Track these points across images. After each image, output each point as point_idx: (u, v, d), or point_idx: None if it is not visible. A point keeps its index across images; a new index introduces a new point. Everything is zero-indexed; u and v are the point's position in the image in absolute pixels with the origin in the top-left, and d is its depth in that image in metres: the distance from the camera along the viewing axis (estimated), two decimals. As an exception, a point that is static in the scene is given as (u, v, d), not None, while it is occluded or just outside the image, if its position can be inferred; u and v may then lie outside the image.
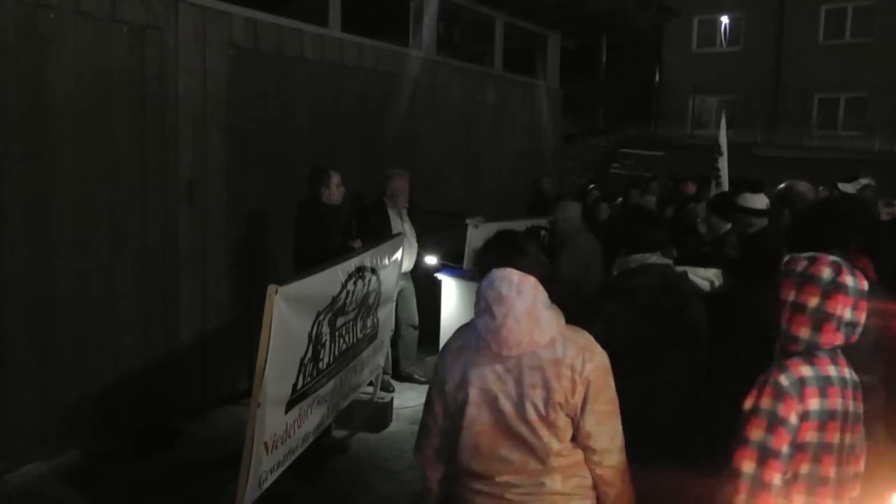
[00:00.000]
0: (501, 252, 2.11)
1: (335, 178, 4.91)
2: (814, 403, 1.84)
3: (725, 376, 2.63)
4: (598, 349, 2.07)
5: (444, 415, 2.15)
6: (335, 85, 6.20)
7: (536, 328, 1.99)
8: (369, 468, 4.49)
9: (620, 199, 8.96)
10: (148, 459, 4.45)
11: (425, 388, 2.29)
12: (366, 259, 4.32)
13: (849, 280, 1.90)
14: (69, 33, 4.21)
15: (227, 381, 5.35)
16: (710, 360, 2.78)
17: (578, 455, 2.06)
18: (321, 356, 3.88)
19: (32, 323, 4.17)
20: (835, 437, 1.86)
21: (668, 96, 21.77)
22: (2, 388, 4.06)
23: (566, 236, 5.00)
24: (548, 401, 1.98)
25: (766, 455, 1.82)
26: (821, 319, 1.89)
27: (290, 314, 3.34)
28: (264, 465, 3.36)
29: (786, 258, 2.06)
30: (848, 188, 5.83)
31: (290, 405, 3.57)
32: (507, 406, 2.01)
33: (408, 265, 5.71)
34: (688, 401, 2.75)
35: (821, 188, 5.81)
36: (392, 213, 5.64)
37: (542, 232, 6.16)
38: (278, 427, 3.47)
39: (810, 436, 1.84)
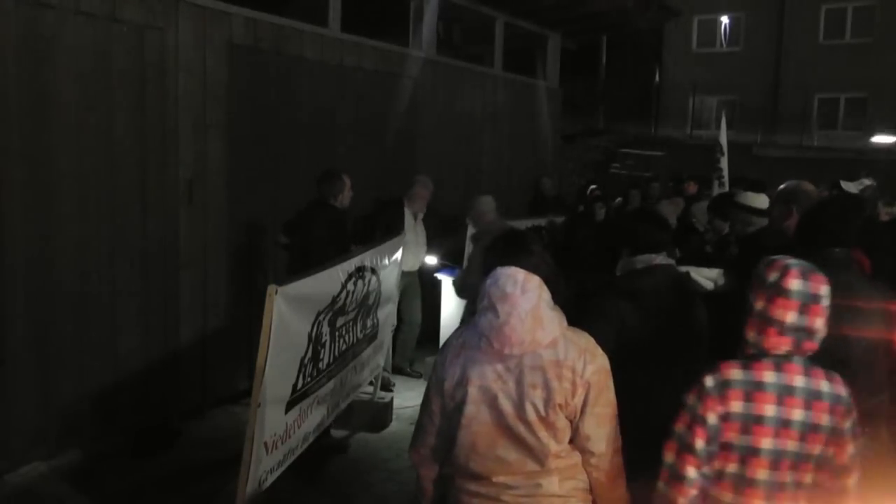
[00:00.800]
0: (507, 250, 2.10)
1: (348, 183, 4.97)
2: (736, 406, 1.87)
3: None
4: (599, 351, 2.06)
5: (442, 413, 2.13)
6: (335, 85, 6.20)
7: (539, 328, 1.98)
8: (369, 468, 4.49)
9: (620, 199, 8.96)
10: (148, 459, 4.45)
11: (425, 387, 2.28)
12: (366, 259, 4.32)
13: (794, 284, 1.89)
14: (69, 33, 4.21)
15: (227, 381, 5.35)
16: (709, 360, 2.78)
17: (576, 457, 2.05)
18: (321, 356, 3.88)
19: (32, 323, 4.17)
20: (764, 443, 1.86)
21: (668, 96, 21.76)
22: (2, 388, 4.05)
23: (482, 233, 5.02)
24: (548, 402, 1.97)
25: (682, 448, 1.91)
26: (764, 323, 1.91)
27: (290, 314, 3.34)
28: (264, 465, 3.36)
29: (762, 261, 2.06)
30: (850, 187, 5.84)
31: (290, 405, 3.57)
32: (506, 405, 2.00)
33: (414, 264, 5.90)
34: None
35: (821, 188, 5.82)
36: (408, 213, 5.91)
37: (542, 231, 6.17)
38: (278, 427, 3.47)
39: (733, 437, 1.87)
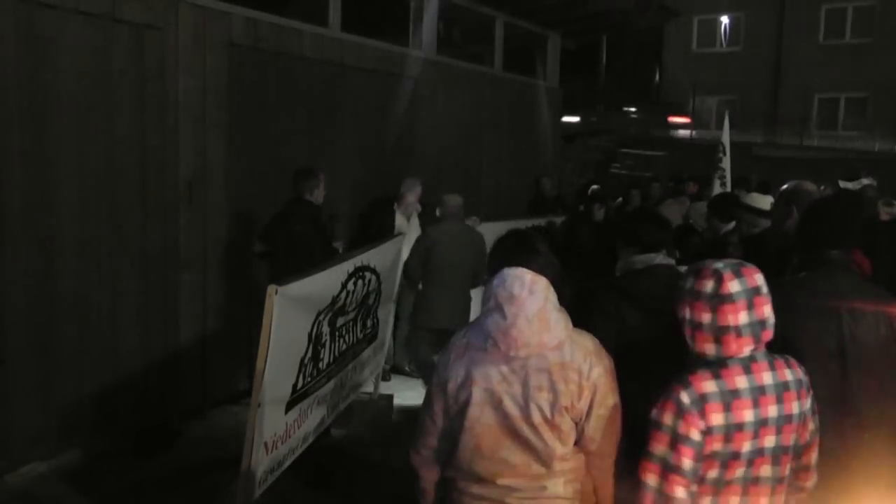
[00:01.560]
0: (514, 251, 2.09)
1: (323, 179, 4.95)
2: (717, 419, 1.83)
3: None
4: (605, 353, 2.06)
5: (444, 414, 2.11)
6: (335, 85, 6.20)
7: (546, 330, 1.96)
8: (369, 468, 4.49)
9: (620, 199, 8.96)
10: (148, 459, 4.45)
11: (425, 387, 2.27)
12: (366, 259, 4.32)
13: (733, 286, 1.88)
14: (69, 33, 4.21)
15: (227, 381, 5.35)
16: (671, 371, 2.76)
17: (581, 459, 2.04)
18: (321, 356, 3.88)
19: (33, 323, 4.17)
20: (744, 447, 1.85)
21: (669, 96, 21.77)
22: (2, 388, 4.05)
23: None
24: (554, 404, 1.96)
25: (668, 470, 1.84)
26: (718, 333, 1.89)
27: (290, 314, 3.34)
28: (264, 466, 3.36)
29: (685, 273, 2.04)
30: (850, 187, 5.85)
31: (290, 405, 3.57)
32: (511, 408, 1.98)
33: None
34: None
35: (822, 187, 5.84)
36: (399, 214, 5.87)
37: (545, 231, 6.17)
38: (278, 427, 3.47)
39: (717, 446, 1.85)
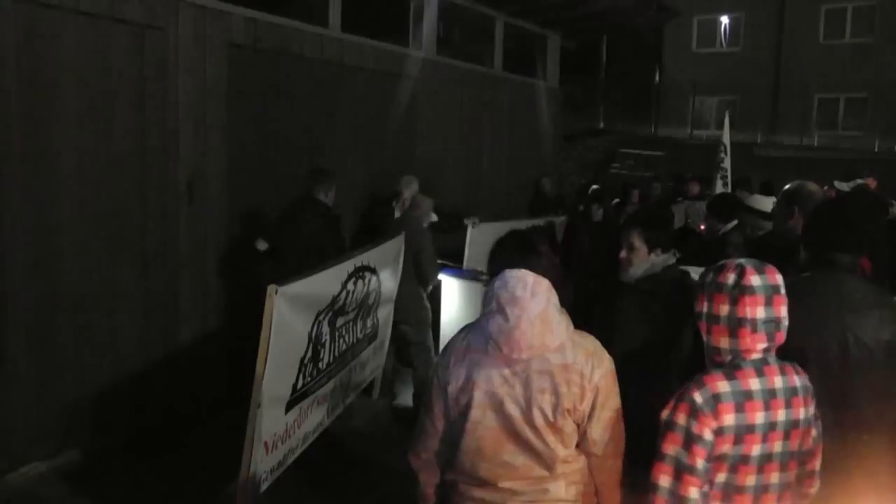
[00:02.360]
0: (516, 252, 2.08)
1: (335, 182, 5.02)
2: (728, 419, 1.84)
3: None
4: (606, 355, 2.05)
5: (444, 417, 2.09)
6: (335, 85, 6.19)
7: (548, 332, 1.95)
8: (370, 468, 4.49)
9: (617, 199, 8.96)
10: (148, 459, 4.45)
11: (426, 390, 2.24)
12: (366, 259, 4.32)
13: (754, 280, 1.90)
14: (69, 33, 4.21)
15: (227, 381, 5.35)
16: (687, 372, 2.76)
17: (583, 462, 2.04)
18: (321, 356, 3.88)
19: (32, 323, 4.17)
20: (754, 450, 1.86)
21: (668, 96, 21.77)
22: (2, 388, 4.05)
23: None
24: (556, 406, 1.95)
25: (681, 470, 1.84)
26: (735, 326, 1.91)
27: (290, 314, 3.34)
28: (264, 465, 3.36)
29: (700, 274, 2.06)
30: (844, 187, 5.85)
31: (289, 405, 3.57)
32: (513, 410, 1.97)
33: None
34: None
35: (826, 188, 5.83)
36: (397, 211, 5.79)
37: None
38: (278, 427, 3.47)
39: (726, 448, 1.86)
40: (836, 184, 5.90)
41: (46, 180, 4.17)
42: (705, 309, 1.97)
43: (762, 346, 1.91)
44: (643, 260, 2.82)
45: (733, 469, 1.87)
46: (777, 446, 1.89)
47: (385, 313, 5.01)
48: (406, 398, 5.50)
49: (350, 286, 4.09)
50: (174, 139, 4.84)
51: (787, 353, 2.22)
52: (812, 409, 1.97)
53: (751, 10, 20.10)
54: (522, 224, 6.37)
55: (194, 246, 5.04)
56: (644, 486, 1.92)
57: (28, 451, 4.21)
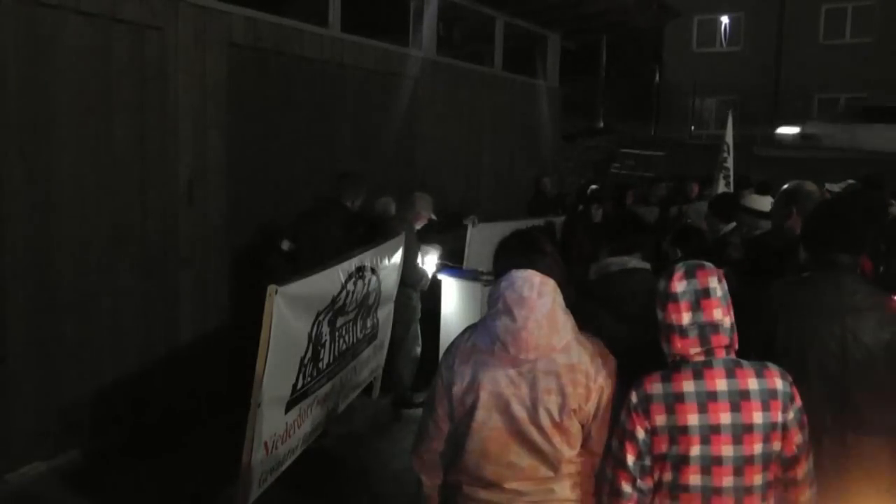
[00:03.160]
0: (522, 252, 2.06)
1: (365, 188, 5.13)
2: (660, 420, 1.90)
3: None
4: (610, 356, 2.05)
5: (448, 418, 2.08)
6: (335, 85, 6.19)
7: (555, 332, 1.95)
8: (370, 468, 4.49)
9: (611, 201, 8.93)
10: (148, 459, 4.45)
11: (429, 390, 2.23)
12: (366, 259, 4.32)
13: (678, 286, 1.93)
14: (69, 33, 4.21)
15: (227, 381, 5.35)
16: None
17: (587, 462, 2.04)
18: (321, 356, 3.88)
19: (33, 322, 4.17)
20: (692, 451, 1.88)
21: (668, 96, 21.77)
22: (2, 387, 4.05)
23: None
24: (563, 407, 1.94)
25: (616, 465, 1.96)
26: (666, 331, 1.98)
27: (290, 314, 3.34)
28: (264, 466, 3.36)
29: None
30: (834, 188, 5.87)
31: (289, 405, 3.57)
32: (519, 411, 1.96)
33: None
34: None
35: (825, 188, 5.84)
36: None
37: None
38: (278, 427, 3.47)
39: (664, 448, 1.91)
40: (827, 185, 5.91)
41: (46, 180, 4.17)
42: (657, 313, 2.03)
43: (695, 349, 1.93)
44: (600, 259, 2.86)
45: (675, 468, 1.91)
46: (726, 450, 1.88)
47: (385, 313, 5.01)
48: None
49: (350, 286, 4.09)
50: (174, 139, 4.84)
51: (788, 354, 2.22)
52: (788, 415, 1.93)
53: (751, 10, 20.10)
54: (522, 224, 6.35)
55: (194, 246, 5.04)
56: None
57: (28, 451, 4.21)
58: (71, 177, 4.29)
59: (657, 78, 22.13)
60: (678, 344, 1.94)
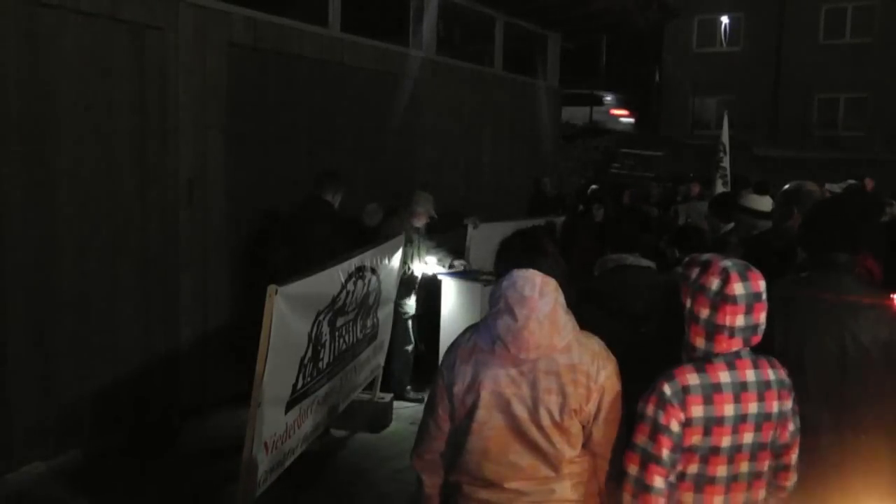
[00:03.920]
0: (523, 252, 2.07)
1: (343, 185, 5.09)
2: (697, 411, 1.89)
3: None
4: (611, 356, 2.05)
5: (449, 417, 2.08)
6: (335, 85, 6.19)
7: (556, 332, 1.95)
8: (370, 468, 4.49)
9: (612, 200, 8.93)
10: (148, 459, 4.45)
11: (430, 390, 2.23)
12: (366, 259, 4.32)
13: (737, 289, 1.91)
14: (69, 33, 4.21)
15: (227, 381, 5.35)
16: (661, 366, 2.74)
17: (587, 462, 2.04)
18: (321, 356, 3.88)
19: (33, 323, 4.17)
20: (724, 441, 1.90)
21: (668, 96, 21.77)
22: (2, 387, 4.05)
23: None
24: (563, 407, 1.94)
25: (647, 459, 1.91)
26: (712, 330, 1.93)
27: (290, 314, 3.34)
28: (264, 465, 3.36)
29: (685, 261, 2.09)
30: (834, 188, 5.86)
31: (290, 405, 3.57)
32: (520, 410, 1.96)
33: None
34: None
35: (826, 188, 5.84)
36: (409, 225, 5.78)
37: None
38: (278, 427, 3.47)
39: (696, 440, 1.90)
40: (828, 185, 5.91)
41: (46, 180, 4.17)
42: (688, 304, 1.99)
43: (736, 348, 1.94)
44: (601, 257, 2.88)
45: (704, 460, 1.91)
46: (747, 437, 1.92)
47: (385, 313, 5.01)
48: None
49: (350, 286, 4.09)
50: (174, 139, 4.84)
51: (787, 353, 2.22)
52: (789, 404, 1.99)
53: (751, 10, 20.09)
54: (522, 224, 6.34)
55: (194, 246, 5.04)
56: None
57: (28, 451, 4.21)
58: (71, 177, 4.29)
59: (657, 78, 22.13)
60: (724, 344, 1.92)
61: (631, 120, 21.19)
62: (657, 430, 1.90)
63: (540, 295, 1.94)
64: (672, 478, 1.91)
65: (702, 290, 1.94)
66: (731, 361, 1.93)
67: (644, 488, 1.90)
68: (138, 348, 4.77)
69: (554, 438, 1.96)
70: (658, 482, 1.89)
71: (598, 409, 1.98)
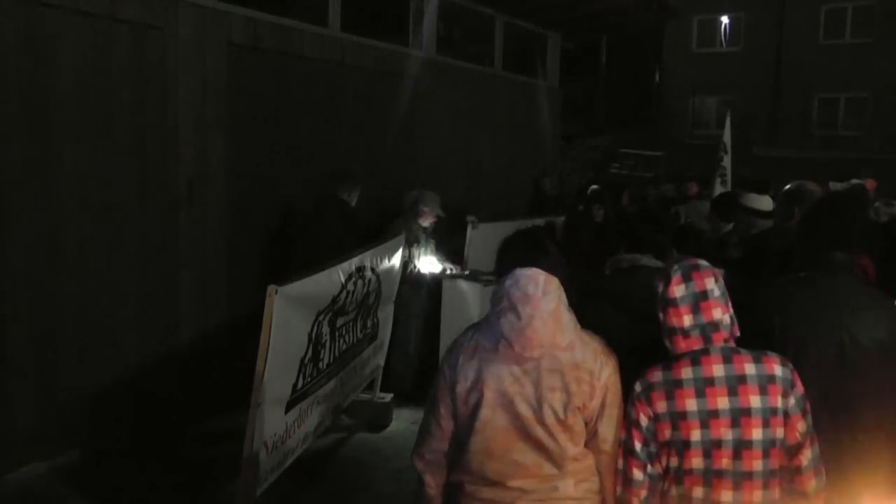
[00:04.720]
0: (525, 251, 2.09)
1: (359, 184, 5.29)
2: (661, 406, 1.98)
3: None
4: (612, 354, 2.06)
5: (451, 416, 2.08)
6: (335, 85, 6.19)
7: (559, 330, 1.96)
8: (370, 468, 4.49)
9: (612, 200, 8.93)
10: (148, 459, 4.45)
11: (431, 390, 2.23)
12: (366, 259, 4.32)
13: (677, 291, 1.99)
14: (69, 33, 4.21)
15: (227, 381, 5.35)
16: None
17: (590, 459, 2.05)
18: (321, 356, 3.88)
19: (32, 323, 4.17)
20: (693, 435, 1.94)
21: (668, 96, 21.78)
22: (2, 388, 4.05)
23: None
24: (567, 405, 1.95)
25: (626, 453, 2.03)
26: (668, 332, 2.04)
27: (290, 314, 3.34)
28: (264, 466, 3.36)
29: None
30: (837, 188, 5.85)
31: (290, 405, 3.57)
32: (524, 409, 1.97)
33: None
34: None
35: (830, 186, 5.83)
36: (415, 225, 5.80)
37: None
38: (278, 427, 3.47)
39: (668, 434, 1.97)
40: (831, 184, 5.90)
41: (46, 180, 4.17)
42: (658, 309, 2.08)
43: (698, 347, 1.99)
44: (613, 256, 2.93)
45: (679, 454, 1.97)
46: (725, 433, 1.93)
47: (385, 313, 5.01)
48: None
49: (350, 286, 4.09)
50: (174, 139, 4.84)
51: (785, 353, 2.22)
52: (788, 401, 1.96)
53: (751, 10, 20.10)
54: (522, 224, 6.35)
55: (194, 246, 5.04)
56: None
57: (28, 451, 4.21)
58: (71, 176, 4.29)
59: (657, 78, 22.13)
60: (682, 344, 2.01)
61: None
62: (631, 425, 2.02)
63: (543, 293, 1.96)
64: (651, 470, 2.00)
65: (655, 295, 2.06)
66: (697, 358, 1.98)
67: (626, 480, 2.01)
68: (138, 348, 4.77)
69: (558, 436, 1.97)
70: (637, 474, 1.99)
71: (602, 406, 2.00)
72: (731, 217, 4.41)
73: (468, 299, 5.62)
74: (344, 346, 4.24)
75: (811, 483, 2.01)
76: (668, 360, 2.02)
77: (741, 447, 1.93)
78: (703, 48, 21.29)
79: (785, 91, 19.63)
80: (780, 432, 1.96)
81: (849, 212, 2.58)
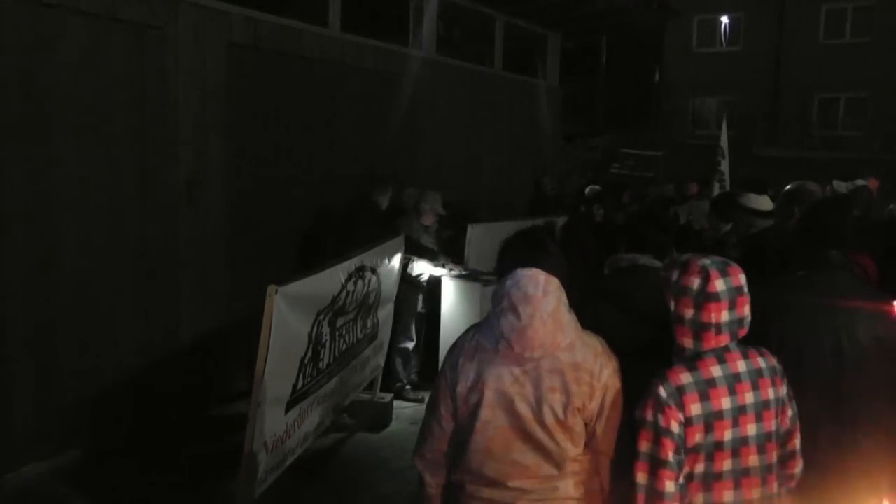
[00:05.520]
0: (526, 251, 2.08)
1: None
2: (695, 409, 1.89)
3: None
4: (612, 354, 2.06)
5: (451, 416, 2.08)
6: (335, 85, 6.19)
7: (559, 331, 1.96)
8: (369, 468, 4.49)
9: (612, 200, 8.91)
10: (148, 459, 4.45)
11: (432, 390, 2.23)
12: (366, 259, 4.32)
13: (719, 285, 1.93)
14: (69, 33, 4.21)
15: (227, 381, 5.35)
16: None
17: (590, 459, 2.05)
18: (321, 356, 3.88)
19: (32, 323, 4.17)
20: (726, 435, 1.90)
21: (668, 96, 21.77)
22: (2, 388, 4.05)
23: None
24: (567, 405, 1.95)
25: (655, 465, 1.88)
26: (699, 329, 1.94)
27: (290, 314, 3.34)
28: (264, 465, 3.36)
29: (665, 263, 2.13)
30: (842, 187, 5.83)
31: (290, 405, 3.57)
32: (524, 409, 1.97)
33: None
34: None
35: (827, 187, 5.81)
36: (416, 223, 5.77)
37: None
38: (278, 427, 3.47)
39: (699, 438, 1.89)
40: (835, 184, 5.88)
41: (46, 180, 4.17)
42: (672, 307, 2.00)
43: (724, 344, 1.96)
44: (612, 255, 2.92)
45: (709, 457, 1.91)
46: (751, 429, 1.92)
47: (385, 313, 5.01)
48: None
49: (350, 286, 4.09)
50: (174, 139, 4.84)
51: (784, 352, 2.23)
52: (783, 390, 2.00)
53: (751, 10, 20.08)
54: (522, 224, 6.34)
55: (194, 246, 5.04)
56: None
57: (28, 451, 4.21)
58: (71, 177, 4.29)
59: (657, 78, 22.13)
60: (713, 341, 1.93)
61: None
62: (659, 434, 1.88)
63: (543, 294, 1.95)
64: (681, 479, 1.90)
65: (684, 291, 1.96)
66: (721, 355, 1.95)
67: (655, 494, 1.88)
68: (138, 348, 4.77)
69: (558, 437, 1.97)
70: (669, 486, 1.87)
71: (601, 407, 2.00)
72: (731, 217, 4.41)
73: (468, 299, 5.63)
74: (344, 346, 4.24)
75: (799, 465, 2.07)
76: (685, 360, 1.96)
77: (764, 441, 1.94)
78: (703, 48, 21.27)
79: (785, 91, 19.62)
80: (779, 422, 2.00)
81: (842, 211, 2.60)
